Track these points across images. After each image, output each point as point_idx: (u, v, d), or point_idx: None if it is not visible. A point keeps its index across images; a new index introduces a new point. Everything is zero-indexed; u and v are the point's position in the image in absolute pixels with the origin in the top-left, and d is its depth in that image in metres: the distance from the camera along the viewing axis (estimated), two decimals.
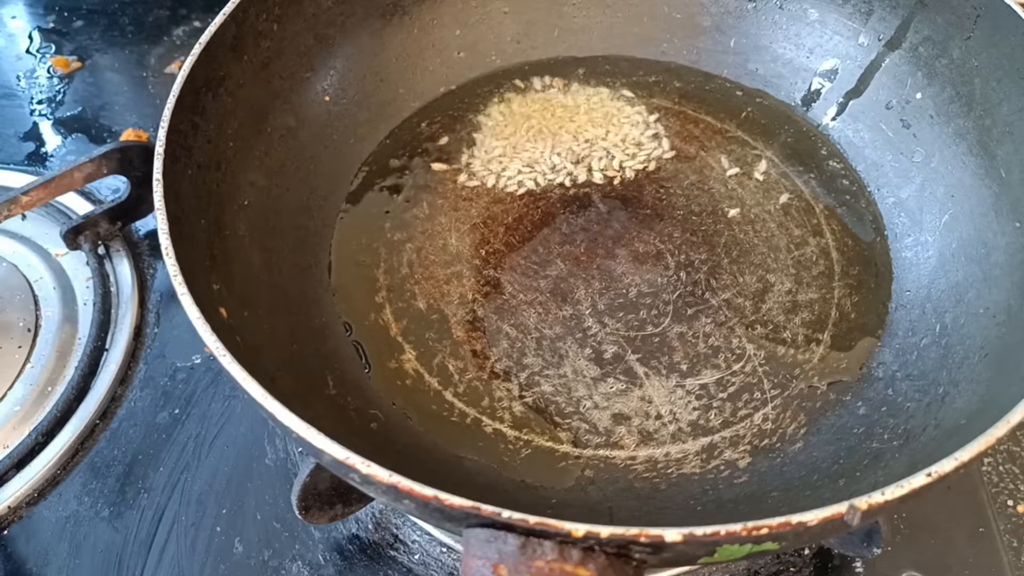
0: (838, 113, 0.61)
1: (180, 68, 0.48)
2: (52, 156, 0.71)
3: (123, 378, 0.56)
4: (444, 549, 0.48)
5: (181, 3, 0.83)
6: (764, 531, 0.29)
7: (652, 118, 0.63)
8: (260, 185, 0.52)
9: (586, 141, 0.62)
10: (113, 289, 0.60)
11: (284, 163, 0.55)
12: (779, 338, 0.51)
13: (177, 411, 0.54)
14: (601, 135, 0.62)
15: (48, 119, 0.74)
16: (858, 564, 0.47)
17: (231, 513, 0.50)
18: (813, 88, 0.62)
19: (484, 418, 0.48)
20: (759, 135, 0.62)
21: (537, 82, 0.66)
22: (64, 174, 0.57)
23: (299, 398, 0.35)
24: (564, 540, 0.29)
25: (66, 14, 0.83)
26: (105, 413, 0.54)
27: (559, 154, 0.61)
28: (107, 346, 0.57)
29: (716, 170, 0.60)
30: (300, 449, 0.52)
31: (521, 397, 0.49)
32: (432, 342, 0.51)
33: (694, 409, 0.48)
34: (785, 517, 0.29)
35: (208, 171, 0.48)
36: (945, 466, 0.32)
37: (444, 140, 0.62)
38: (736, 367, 0.50)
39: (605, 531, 0.28)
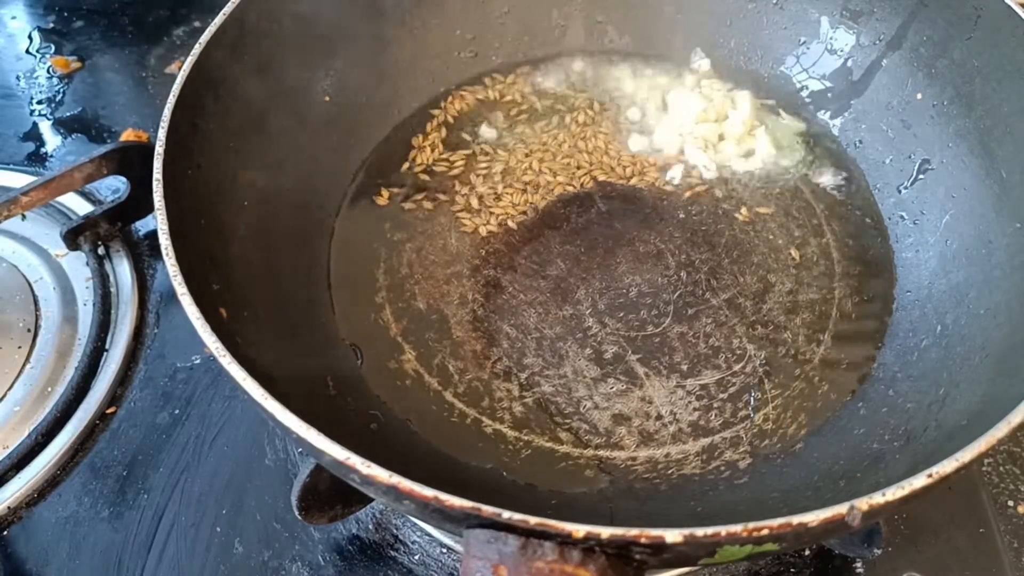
0: (839, 113, 0.61)
1: (180, 68, 0.48)
2: (52, 156, 0.71)
3: (123, 378, 0.56)
4: (444, 550, 0.48)
5: (181, 3, 0.83)
6: (765, 532, 0.29)
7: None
8: (260, 185, 0.52)
9: (587, 139, 0.62)
10: (113, 289, 0.60)
11: (284, 163, 0.55)
12: (780, 338, 0.51)
13: (177, 411, 0.54)
14: (602, 133, 0.62)
15: (48, 119, 0.74)
16: (858, 565, 0.46)
17: (231, 514, 0.49)
18: (814, 88, 0.62)
19: (484, 418, 0.48)
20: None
21: (538, 81, 0.66)
22: (64, 174, 0.57)
23: (299, 398, 0.35)
24: (564, 541, 0.29)
25: (66, 14, 0.83)
26: (105, 414, 0.54)
27: (561, 152, 0.61)
28: (107, 346, 0.57)
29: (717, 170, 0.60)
30: (300, 450, 0.51)
31: (521, 397, 0.49)
32: (432, 342, 0.51)
33: (694, 410, 0.48)
34: (786, 518, 0.29)
35: (208, 171, 0.48)
36: (946, 467, 0.32)
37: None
38: (737, 367, 0.50)
39: (606, 532, 0.28)
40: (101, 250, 0.61)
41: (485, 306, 0.53)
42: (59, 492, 0.51)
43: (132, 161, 0.59)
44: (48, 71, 0.78)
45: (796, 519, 0.29)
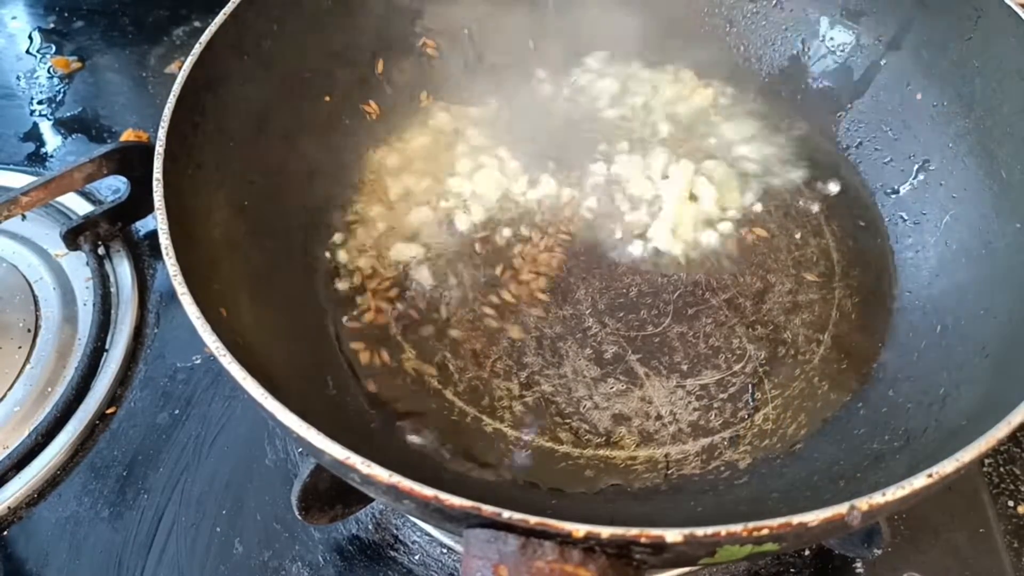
0: (839, 113, 0.61)
1: (180, 68, 0.48)
2: (52, 156, 0.71)
3: (123, 379, 0.56)
4: (444, 550, 0.48)
5: (181, 3, 0.83)
6: (765, 532, 0.29)
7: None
8: (260, 185, 0.52)
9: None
10: (113, 289, 0.60)
11: (284, 163, 0.55)
12: (780, 338, 0.51)
13: (177, 412, 0.54)
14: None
15: (48, 119, 0.74)
16: (858, 565, 0.46)
17: (231, 514, 0.50)
18: (814, 89, 0.62)
19: (484, 417, 0.48)
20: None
21: (544, 80, 0.66)
22: (64, 174, 0.57)
23: (299, 398, 0.35)
24: (565, 540, 0.29)
25: (66, 14, 0.83)
26: (105, 414, 0.54)
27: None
28: (107, 346, 0.57)
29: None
30: (300, 449, 0.51)
31: (521, 397, 0.49)
32: (432, 341, 0.51)
33: (694, 410, 0.48)
34: (786, 518, 0.29)
35: (208, 171, 0.48)
36: (946, 467, 0.32)
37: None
38: (737, 367, 0.50)
39: (606, 531, 0.28)
40: (101, 250, 0.61)
41: (486, 306, 0.53)
42: (59, 492, 0.51)
43: (132, 161, 0.59)
44: (48, 71, 0.78)
45: (796, 519, 0.29)
